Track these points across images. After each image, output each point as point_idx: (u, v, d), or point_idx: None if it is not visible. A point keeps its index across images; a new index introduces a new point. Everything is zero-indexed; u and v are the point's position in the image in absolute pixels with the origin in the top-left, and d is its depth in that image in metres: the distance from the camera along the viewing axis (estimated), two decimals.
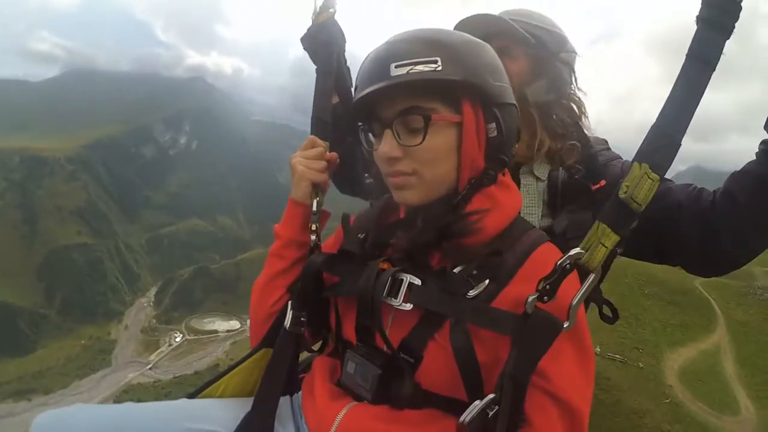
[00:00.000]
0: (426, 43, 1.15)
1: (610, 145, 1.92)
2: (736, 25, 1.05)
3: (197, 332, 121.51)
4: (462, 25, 1.74)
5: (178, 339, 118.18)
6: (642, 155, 1.05)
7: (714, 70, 1.04)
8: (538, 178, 1.77)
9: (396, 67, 1.13)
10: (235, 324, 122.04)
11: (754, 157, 1.39)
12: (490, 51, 1.25)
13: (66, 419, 1.18)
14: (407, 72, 1.12)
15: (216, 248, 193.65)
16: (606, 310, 1.38)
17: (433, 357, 1.14)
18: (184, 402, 1.40)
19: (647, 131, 1.07)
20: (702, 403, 17.33)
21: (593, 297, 1.33)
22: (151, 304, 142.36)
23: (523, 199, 1.56)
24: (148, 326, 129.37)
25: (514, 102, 1.28)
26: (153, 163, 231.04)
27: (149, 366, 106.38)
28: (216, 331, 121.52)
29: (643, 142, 1.07)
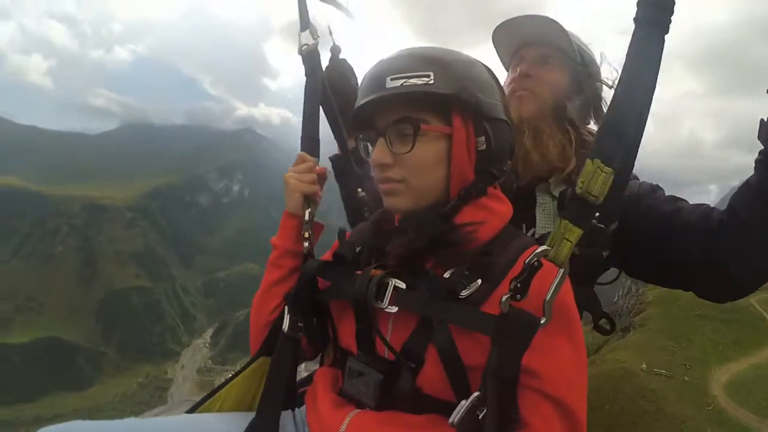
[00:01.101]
0: (421, 59, 1.21)
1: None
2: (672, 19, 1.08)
3: None
4: (524, 20, 1.77)
5: None
6: (593, 152, 1.07)
7: (658, 66, 1.08)
8: (554, 197, 1.77)
9: (391, 79, 1.19)
10: None
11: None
12: (483, 69, 1.31)
13: None
14: (401, 84, 1.18)
15: None
16: (604, 323, 1.40)
17: (432, 361, 1.14)
18: (185, 417, 1.41)
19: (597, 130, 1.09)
20: (745, 410, 14.16)
21: (590, 308, 1.36)
22: (207, 345, 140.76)
23: (539, 217, 1.68)
24: (204, 366, 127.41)
25: (507, 119, 1.31)
26: (208, 211, 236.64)
27: None
28: None
29: (593, 143, 1.11)
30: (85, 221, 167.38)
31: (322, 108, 1.83)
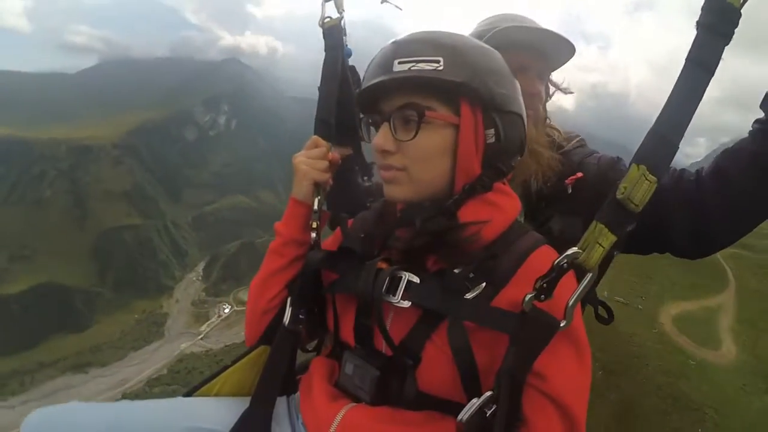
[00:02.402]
0: (431, 44, 1.14)
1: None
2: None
3: (245, 303, 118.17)
4: (548, 34, 1.65)
5: (226, 310, 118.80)
6: (640, 157, 1.02)
7: (713, 75, 1.02)
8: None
9: (399, 63, 1.13)
10: None
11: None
12: (497, 58, 1.23)
13: (58, 418, 1.13)
14: (409, 69, 1.12)
15: (259, 223, 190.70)
16: (602, 312, 1.37)
17: (430, 358, 1.11)
18: (180, 400, 1.37)
19: (646, 133, 1.04)
20: (686, 338, 18.99)
21: (588, 298, 1.33)
22: (200, 278, 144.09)
23: None
24: (198, 299, 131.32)
25: (520, 112, 1.24)
26: (194, 145, 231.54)
27: (200, 336, 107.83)
28: None
29: (641, 144, 1.04)
30: (71, 163, 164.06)
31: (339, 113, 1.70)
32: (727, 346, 18.64)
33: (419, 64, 1.12)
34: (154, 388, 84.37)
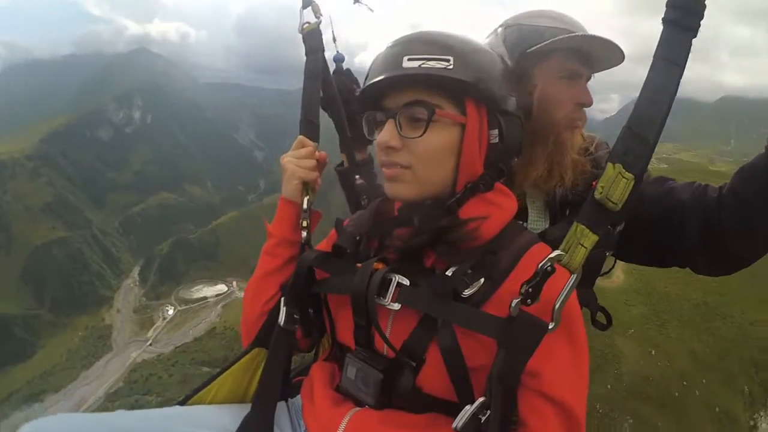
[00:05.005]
0: (440, 43, 1.14)
1: None
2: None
3: (188, 302, 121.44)
4: (593, 39, 1.52)
5: (170, 312, 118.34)
6: (615, 156, 1.02)
7: (683, 69, 1.02)
8: (545, 193, 1.68)
9: (408, 60, 1.12)
10: (222, 288, 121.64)
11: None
12: (499, 61, 1.24)
13: (53, 429, 1.09)
14: (419, 66, 1.11)
15: (189, 218, 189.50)
16: (600, 317, 1.35)
17: (432, 360, 1.10)
18: (177, 408, 1.33)
19: (620, 132, 1.04)
20: None
21: (587, 303, 1.30)
22: (137, 283, 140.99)
23: (531, 213, 1.57)
24: (140, 305, 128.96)
25: (519, 114, 1.24)
26: (112, 145, 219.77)
27: (149, 342, 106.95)
28: (205, 298, 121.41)
29: (615, 143, 1.03)
30: None
31: (328, 113, 1.78)
32: (617, 274, 21.84)
33: (429, 62, 1.11)
34: (114, 402, 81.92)
